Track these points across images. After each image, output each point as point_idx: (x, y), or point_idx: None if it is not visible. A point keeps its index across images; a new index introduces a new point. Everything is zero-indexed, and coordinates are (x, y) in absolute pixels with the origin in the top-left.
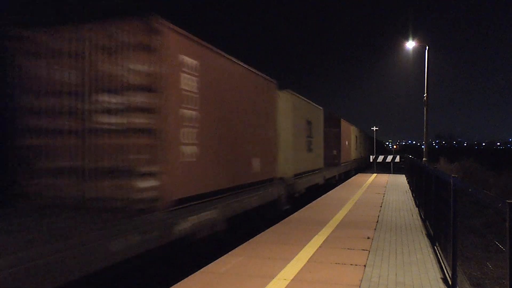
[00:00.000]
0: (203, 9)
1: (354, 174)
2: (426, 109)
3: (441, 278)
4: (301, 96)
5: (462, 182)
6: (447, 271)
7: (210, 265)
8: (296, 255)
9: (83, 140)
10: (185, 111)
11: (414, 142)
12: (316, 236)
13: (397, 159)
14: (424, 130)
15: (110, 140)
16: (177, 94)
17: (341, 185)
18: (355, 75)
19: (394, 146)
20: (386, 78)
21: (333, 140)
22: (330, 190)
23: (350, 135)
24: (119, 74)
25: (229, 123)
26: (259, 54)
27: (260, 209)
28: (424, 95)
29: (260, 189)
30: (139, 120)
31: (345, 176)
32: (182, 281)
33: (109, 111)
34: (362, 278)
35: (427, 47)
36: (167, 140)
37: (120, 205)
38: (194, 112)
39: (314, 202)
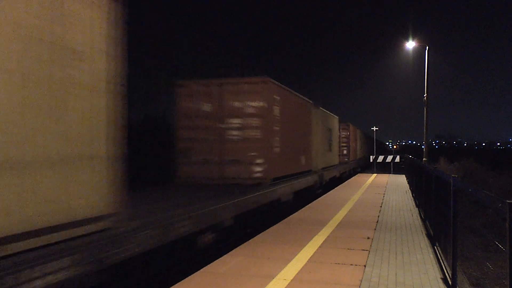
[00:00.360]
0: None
1: (360, 171)
2: (426, 109)
3: (441, 278)
4: (326, 110)
5: (462, 182)
6: (447, 271)
7: (210, 265)
8: (296, 255)
9: (221, 144)
10: (274, 127)
11: (414, 142)
12: (316, 236)
13: (397, 159)
14: (424, 130)
15: (236, 145)
16: (271, 118)
17: (341, 185)
18: (355, 75)
19: (394, 146)
20: (386, 78)
21: (344, 142)
22: (332, 189)
23: (356, 137)
24: (242, 107)
25: (291, 133)
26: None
27: (305, 190)
28: (424, 95)
29: (305, 176)
30: (252, 133)
31: (353, 172)
32: (182, 281)
33: (235, 128)
34: (362, 278)
35: (427, 47)
36: (267, 145)
37: (243, 181)
38: (278, 128)
39: (314, 202)
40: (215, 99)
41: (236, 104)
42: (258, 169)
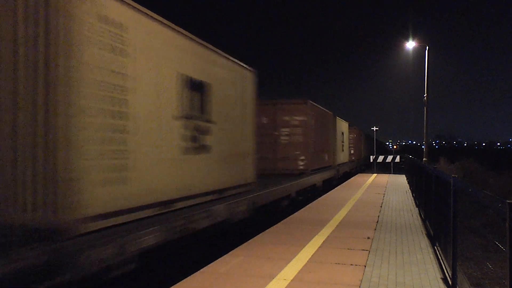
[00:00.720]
0: (203, 8)
1: (363, 169)
2: (426, 109)
3: (441, 278)
4: (341, 119)
5: (462, 182)
6: (447, 271)
7: (210, 265)
8: (296, 255)
9: (275, 146)
10: (310, 134)
11: (414, 142)
12: (316, 236)
13: (397, 159)
14: (424, 130)
15: (286, 146)
16: (308, 127)
17: (341, 185)
18: (355, 75)
19: (394, 146)
20: (386, 78)
21: (352, 143)
22: (332, 189)
23: (360, 138)
24: (289, 120)
25: (320, 137)
26: (259, 53)
27: (328, 180)
28: (424, 95)
29: (329, 170)
30: (296, 138)
31: (358, 168)
32: (182, 281)
33: (285, 135)
34: (362, 278)
35: (427, 47)
36: (306, 146)
37: (291, 172)
38: (312, 134)
39: (314, 202)
40: (270, 114)
41: (285, 118)
42: (301, 163)
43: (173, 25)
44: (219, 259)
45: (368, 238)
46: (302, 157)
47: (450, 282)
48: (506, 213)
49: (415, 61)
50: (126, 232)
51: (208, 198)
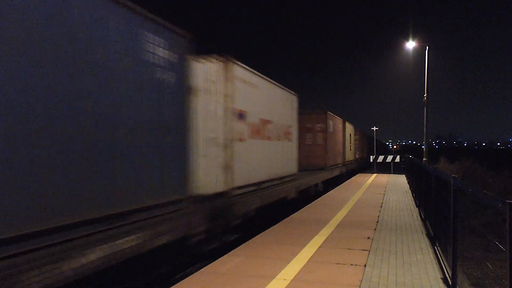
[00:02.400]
0: (203, 7)
1: (363, 169)
2: (426, 109)
3: (441, 278)
4: (349, 123)
5: (462, 182)
6: (447, 271)
7: (210, 265)
8: (296, 255)
9: (301, 147)
10: (328, 137)
11: (414, 142)
12: (316, 236)
13: (397, 159)
14: (424, 130)
15: (310, 147)
16: (327, 132)
17: (341, 185)
18: (355, 75)
19: (394, 146)
20: (386, 78)
21: (357, 144)
22: (332, 189)
23: (363, 139)
24: (312, 127)
25: (335, 140)
26: (259, 53)
27: (340, 175)
28: (424, 95)
29: (340, 167)
30: (318, 141)
31: (361, 166)
32: (182, 281)
33: (309, 138)
34: (362, 278)
35: (427, 47)
36: (325, 147)
37: (314, 168)
38: (330, 138)
39: (314, 202)
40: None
41: (308, 125)
42: (322, 161)
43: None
44: (219, 259)
45: (368, 238)
46: (322, 156)
47: (450, 282)
48: (506, 213)
49: (415, 61)
50: (248, 198)
51: (276, 182)
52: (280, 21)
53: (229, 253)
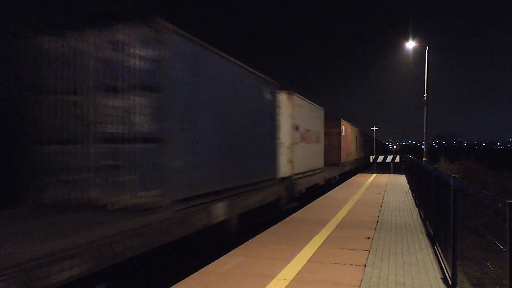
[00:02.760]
0: (203, 7)
1: (363, 169)
2: (426, 109)
3: (441, 278)
4: (356, 126)
5: (462, 182)
6: (447, 271)
7: (210, 265)
8: (296, 255)
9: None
10: (341, 139)
11: (414, 142)
12: (316, 236)
13: (397, 159)
14: (424, 130)
15: (327, 148)
16: (341, 135)
17: (341, 185)
18: (355, 75)
19: (394, 146)
20: (386, 78)
21: (360, 144)
22: (332, 189)
23: (366, 140)
24: (330, 131)
25: (346, 141)
26: (259, 52)
27: (349, 171)
28: (424, 95)
29: (350, 164)
30: (334, 143)
31: (362, 165)
32: (182, 281)
33: (327, 140)
34: (362, 278)
35: (427, 47)
36: (340, 148)
37: (331, 164)
38: (343, 140)
39: (314, 202)
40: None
41: (326, 130)
42: (337, 158)
43: (310, 101)
44: (219, 259)
45: (368, 238)
46: (337, 155)
47: (450, 282)
48: (506, 213)
49: (415, 61)
50: (301, 180)
51: (312, 173)
52: (280, 21)
53: (229, 253)
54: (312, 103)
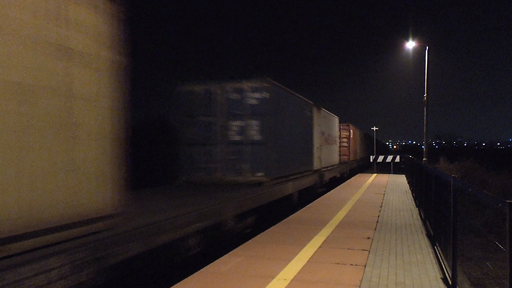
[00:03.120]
0: (203, 7)
1: (363, 169)
2: (426, 109)
3: (441, 278)
4: (360, 128)
5: (462, 182)
6: (447, 271)
7: (210, 265)
8: (296, 255)
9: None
10: (351, 141)
11: (414, 142)
12: (316, 236)
13: (397, 159)
14: (424, 130)
15: (341, 149)
16: (350, 138)
17: (341, 185)
18: (355, 75)
19: (394, 146)
20: (386, 78)
21: (363, 144)
22: (332, 189)
23: (368, 140)
24: (341, 134)
25: (355, 142)
26: (259, 52)
27: (356, 167)
28: (424, 95)
29: (356, 161)
30: (344, 144)
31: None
32: (182, 281)
33: (341, 143)
34: (362, 278)
35: (427, 47)
36: (350, 148)
37: (345, 161)
38: (351, 141)
39: (314, 202)
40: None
41: (339, 133)
42: (347, 157)
43: (329, 111)
44: (219, 259)
45: (368, 238)
46: (347, 154)
47: (450, 282)
48: (506, 213)
49: (415, 61)
50: (326, 172)
51: (332, 167)
52: (280, 21)
53: (229, 253)
54: (331, 113)
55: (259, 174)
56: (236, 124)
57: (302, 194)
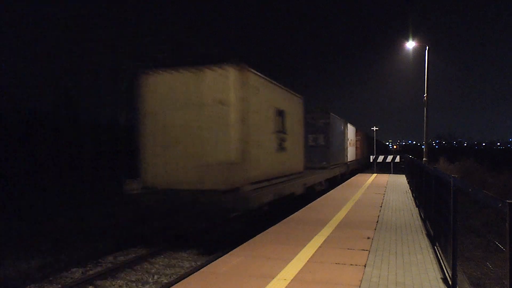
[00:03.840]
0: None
1: (363, 169)
2: (426, 109)
3: (441, 278)
4: (362, 130)
5: (462, 182)
6: (447, 271)
7: (210, 265)
8: (296, 255)
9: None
10: (357, 144)
11: (414, 142)
12: (316, 236)
13: (397, 159)
14: (424, 130)
15: (353, 150)
16: (358, 141)
17: (341, 185)
18: (355, 75)
19: (394, 146)
20: (386, 78)
21: (366, 145)
22: (332, 189)
23: (368, 141)
24: (350, 138)
25: (361, 144)
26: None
27: (360, 165)
28: (424, 95)
29: (361, 160)
30: (357, 146)
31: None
32: (182, 281)
33: (352, 145)
34: (362, 278)
35: (427, 47)
36: (358, 149)
37: (356, 159)
38: (358, 144)
39: (314, 202)
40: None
41: (350, 139)
42: (358, 155)
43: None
44: (219, 259)
45: (368, 238)
46: (356, 153)
47: (450, 282)
48: (506, 213)
49: (415, 61)
50: (351, 165)
51: (351, 163)
52: (280, 20)
53: (229, 253)
54: (351, 124)
55: (324, 163)
56: (311, 136)
57: (342, 175)
